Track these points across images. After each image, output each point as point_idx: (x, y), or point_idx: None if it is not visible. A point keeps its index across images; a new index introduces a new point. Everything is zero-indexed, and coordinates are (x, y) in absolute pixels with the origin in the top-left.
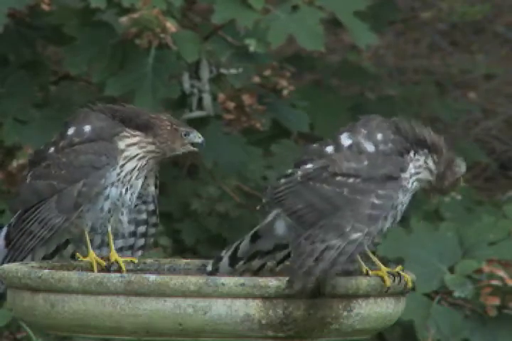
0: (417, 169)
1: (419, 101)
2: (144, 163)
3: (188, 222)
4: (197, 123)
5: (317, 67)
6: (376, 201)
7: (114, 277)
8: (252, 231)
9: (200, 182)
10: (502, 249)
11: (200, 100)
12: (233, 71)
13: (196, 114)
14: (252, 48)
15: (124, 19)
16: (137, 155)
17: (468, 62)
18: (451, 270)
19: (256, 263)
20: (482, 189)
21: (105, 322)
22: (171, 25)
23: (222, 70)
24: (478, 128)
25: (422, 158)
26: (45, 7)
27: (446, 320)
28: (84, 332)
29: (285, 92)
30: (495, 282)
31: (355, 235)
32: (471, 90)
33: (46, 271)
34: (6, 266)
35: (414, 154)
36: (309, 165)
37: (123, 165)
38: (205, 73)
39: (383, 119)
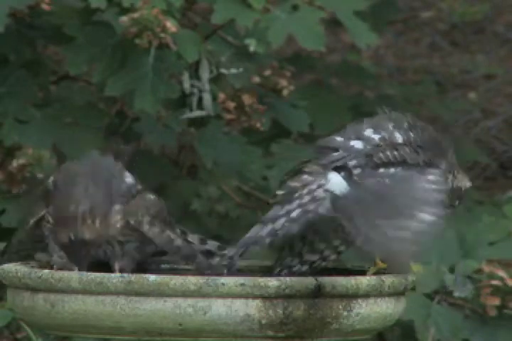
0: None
1: (419, 101)
2: None
3: (188, 221)
4: (197, 123)
5: (317, 67)
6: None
7: (114, 277)
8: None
9: (200, 182)
10: (502, 249)
11: (200, 100)
12: (233, 71)
13: (196, 113)
14: (252, 48)
15: (124, 19)
16: None
17: (468, 62)
18: (451, 270)
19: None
20: (482, 189)
21: (105, 322)
22: (171, 25)
23: (222, 70)
24: (478, 128)
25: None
26: (45, 7)
27: (446, 320)
28: (84, 332)
29: (285, 92)
30: (495, 282)
31: (429, 218)
32: (471, 90)
33: (46, 271)
34: (5, 266)
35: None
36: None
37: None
38: (205, 73)
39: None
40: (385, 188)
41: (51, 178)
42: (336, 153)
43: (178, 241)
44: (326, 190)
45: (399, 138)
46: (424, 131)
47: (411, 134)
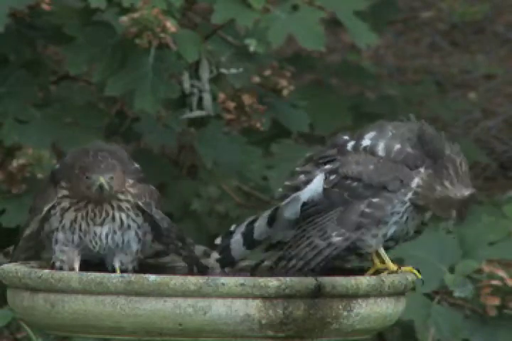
0: (418, 187)
1: (419, 101)
2: (86, 212)
3: (188, 221)
4: (197, 123)
5: (317, 67)
6: (366, 209)
7: (114, 277)
8: (268, 212)
9: (200, 182)
10: (502, 249)
11: (200, 100)
12: (233, 71)
13: (196, 113)
14: (252, 48)
15: (124, 19)
16: (70, 207)
17: (468, 62)
18: (451, 270)
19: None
20: (482, 189)
21: (105, 322)
22: (171, 25)
23: (222, 70)
24: (478, 128)
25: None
26: (45, 7)
27: (446, 320)
28: (84, 332)
29: (285, 92)
30: (495, 282)
31: (336, 239)
32: (471, 90)
33: (46, 271)
34: (5, 266)
35: (425, 169)
36: (328, 166)
37: (63, 215)
38: (205, 73)
39: (412, 128)
40: (337, 200)
41: (56, 166)
42: (330, 151)
43: (174, 224)
44: (298, 197)
45: (380, 150)
46: (429, 144)
47: (397, 146)
